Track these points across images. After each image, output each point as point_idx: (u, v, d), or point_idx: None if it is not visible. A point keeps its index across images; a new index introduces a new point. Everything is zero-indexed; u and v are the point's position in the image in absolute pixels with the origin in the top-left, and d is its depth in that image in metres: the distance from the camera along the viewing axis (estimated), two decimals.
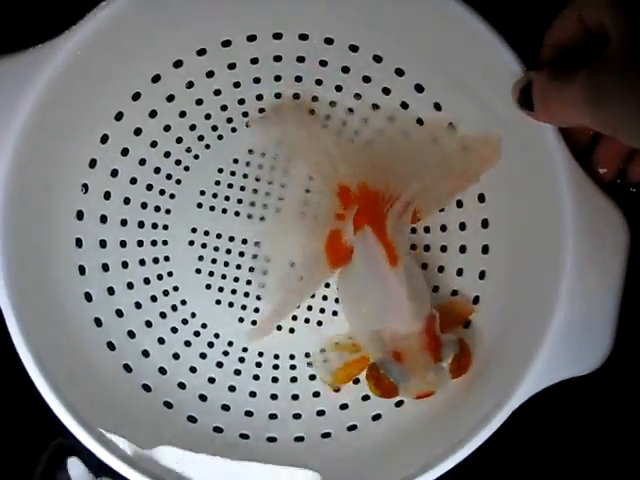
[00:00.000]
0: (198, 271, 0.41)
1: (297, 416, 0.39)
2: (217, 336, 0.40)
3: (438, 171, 0.38)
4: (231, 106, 0.41)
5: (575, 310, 0.33)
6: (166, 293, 0.40)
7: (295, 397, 0.40)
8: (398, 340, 0.35)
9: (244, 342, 0.40)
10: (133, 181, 0.40)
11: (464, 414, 0.35)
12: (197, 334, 0.40)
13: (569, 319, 0.33)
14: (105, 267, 0.39)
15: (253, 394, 0.40)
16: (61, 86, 0.35)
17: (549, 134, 0.34)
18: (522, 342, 0.35)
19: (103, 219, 0.39)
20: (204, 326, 0.40)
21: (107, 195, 0.40)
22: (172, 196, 0.41)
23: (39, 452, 0.40)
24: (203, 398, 0.39)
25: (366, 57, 0.40)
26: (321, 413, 0.39)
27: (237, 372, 0.40)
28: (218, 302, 0.40)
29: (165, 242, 0.41)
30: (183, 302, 0.40)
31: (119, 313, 0.39)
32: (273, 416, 0.39)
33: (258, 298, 0.41)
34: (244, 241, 0.41)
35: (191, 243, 0.41)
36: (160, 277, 0.40)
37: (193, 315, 0.40)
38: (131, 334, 0.39)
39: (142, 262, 0.40)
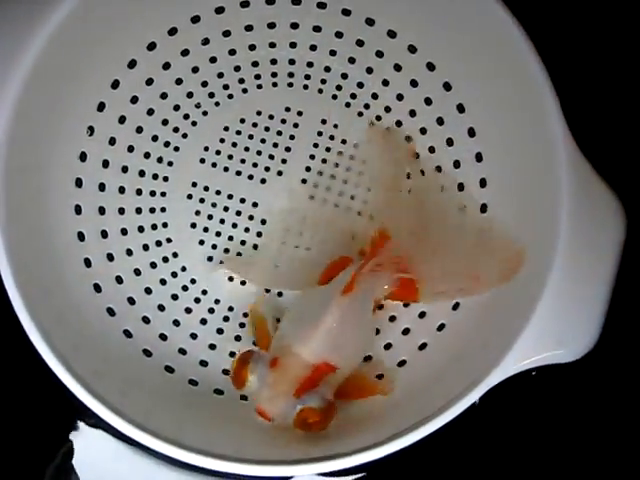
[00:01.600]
0: (193, 225, 0.40)
1: None
2: (217, 302, 0.40)
3: (461, 262, 0.37)
4: (244, 67, 0.41)
5: (563, 294, 0.33)
6: (159, 244, 0.40)
7: None
8: (288, 353, 0.34)
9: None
10: (139, 130, 0.40)
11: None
12: (197, 300, 0.40)
13: (556, 303, 0.33)
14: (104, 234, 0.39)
15: None
16: (72, 28, 0.35)
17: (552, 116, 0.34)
18: (507, 319, 0.34)
19: (105, 164, 0.39)
20: (204, 292, 0.40)
21: (112, 141, 0.40)
22: (176, 149, 0.41)
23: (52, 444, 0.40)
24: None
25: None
26: None
27: (237, 338, 0.40)
28: (210, 259, 0.40)
29: (163, 194, 0.41)
30: (174, 254, 0.40)
31: (119, 280, 0.39)
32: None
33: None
34: (242, 200, 0.41)
35: (189, 197, 0.41)
36: (155, 227, 0.40)
37: (183, 269, 0.40)
38: (131, 300, 0.39)
39: (138, 210, 0.40)
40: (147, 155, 0.40)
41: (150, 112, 0.40)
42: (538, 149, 0.35)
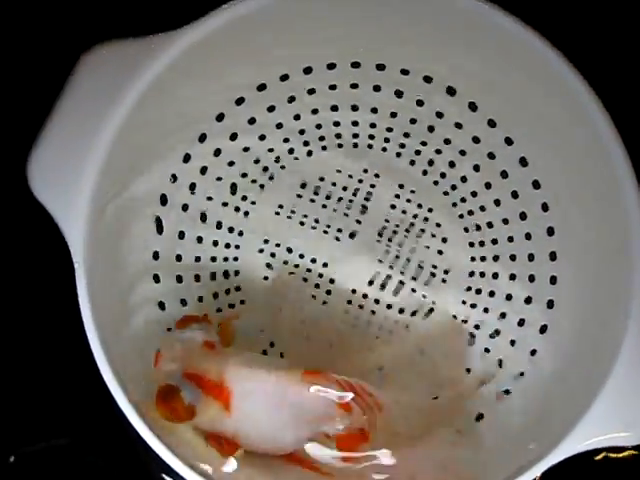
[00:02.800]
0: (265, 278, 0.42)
1: None
2: None
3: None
4: (325, 125, 0.42)
5: (631, 375, 0.32)
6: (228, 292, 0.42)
7: None
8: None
9: None
10: (219, 179, 0.42)
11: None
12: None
13: (624, 383, 0.32)
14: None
15: None
16: (168, 79, 0.35)
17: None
18: (574, 397, 0.34)
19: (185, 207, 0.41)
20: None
21: (192, 186, 0.41)
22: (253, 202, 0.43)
23: None
24: None
25: None
26: None
27: None
28: None
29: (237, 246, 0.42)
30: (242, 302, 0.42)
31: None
32: None
33: None
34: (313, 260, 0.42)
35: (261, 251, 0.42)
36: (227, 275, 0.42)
37: None
38: None
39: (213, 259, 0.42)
40: (225, 204, 0.42)
41: (231, 164, 0.42)
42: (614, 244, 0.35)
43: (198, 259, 0.41)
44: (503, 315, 0.41)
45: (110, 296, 0.35)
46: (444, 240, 0.42)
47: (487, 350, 0.40)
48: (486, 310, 0.41)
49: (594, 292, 0.36)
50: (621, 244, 0.34)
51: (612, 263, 0.35)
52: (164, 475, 0.38)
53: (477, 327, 0.41)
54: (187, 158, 0.40)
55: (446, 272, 0.42)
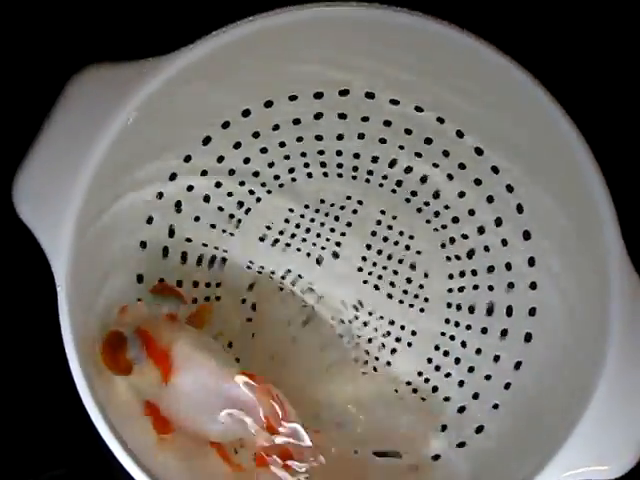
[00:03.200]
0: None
1: None
2: None
3: None
4: (310, 153, 0.43)
5: (610, 410, 0.33)
6: None
7: None
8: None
9: None
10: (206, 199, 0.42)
11: None
12: None
13: (602, 418, 0.33)
14: None
15: None
16: (158, 103, 0.36)
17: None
18: (550, 431, 0.34)
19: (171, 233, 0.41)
20: None
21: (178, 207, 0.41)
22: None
23: None
24: None
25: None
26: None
27: None
28: None
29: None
30: None
31: None
32: None
33: None
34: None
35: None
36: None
37: None
38: None
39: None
40: (213, 226, 0.42)
41: (218, 185, 0.42)
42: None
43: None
44: (479, 351, 0.41)
45: (92, 318, 0.35)
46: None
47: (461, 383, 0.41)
48: (464, 344, 0.41)
49: (572, 323, 0.36)
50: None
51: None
52: None
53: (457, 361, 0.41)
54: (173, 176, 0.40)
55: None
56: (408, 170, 0.43)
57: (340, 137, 0.42)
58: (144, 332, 0.35)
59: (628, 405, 0.33)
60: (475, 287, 0.42)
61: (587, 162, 0.34)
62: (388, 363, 0.42)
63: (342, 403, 0.41)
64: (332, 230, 0.43)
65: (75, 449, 0.41)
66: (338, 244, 0.43)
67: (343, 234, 0.43)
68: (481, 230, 0.42)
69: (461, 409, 0.40)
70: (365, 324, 0.42)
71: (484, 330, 0.41)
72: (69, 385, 0.32)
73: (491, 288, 0.41)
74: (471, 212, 0.42)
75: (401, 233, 0.43)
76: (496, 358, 0.40)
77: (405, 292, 0.43)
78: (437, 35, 0.35)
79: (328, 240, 0.43)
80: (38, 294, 0.38)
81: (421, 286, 0.43)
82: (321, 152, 0.43)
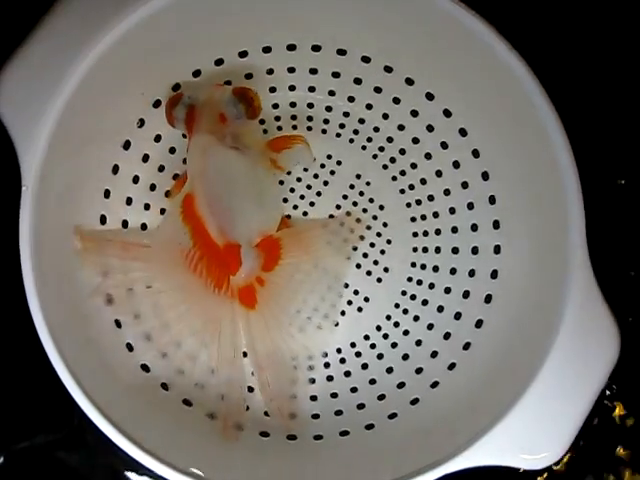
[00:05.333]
0: None
1: (316, 416, 0.40)
2: None
3: None
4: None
5: (543, 404, 0.34)
6: None
7: (313, 398, 0.41)
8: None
9: None
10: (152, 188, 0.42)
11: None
12: None
13: (534, 411, 0.34)
14: None
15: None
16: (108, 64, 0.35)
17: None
18: (481, 415, 0.35)
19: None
20: None
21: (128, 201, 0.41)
22: None
23: None
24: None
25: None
26: (339, 413, 0.41)
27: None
28: None
29: None
30: None
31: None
32: (315, 416, 0.40)
33: None
34: None
35: None
36: None
37: None
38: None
39: None
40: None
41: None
42: (555, 265, 0.35)
43: None
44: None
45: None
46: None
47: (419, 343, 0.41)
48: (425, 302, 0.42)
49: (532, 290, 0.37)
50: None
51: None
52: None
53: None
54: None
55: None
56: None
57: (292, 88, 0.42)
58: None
59: (563, 401, 0.34)
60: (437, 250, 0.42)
61: (553, 127, 0.35)
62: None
63: None
64: (309, 187, 0.43)
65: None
66: (312, 204, 0.43)
67: (319, 193, 0.43)
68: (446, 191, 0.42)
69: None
70: None
71: (447, 290, 0.42)
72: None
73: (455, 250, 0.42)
74: (438, 173, 0.42)
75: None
76: (457, 315, 0.41)
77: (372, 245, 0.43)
78: None
79: (303, 198, 0.43)
80: None
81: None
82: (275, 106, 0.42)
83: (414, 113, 0.42)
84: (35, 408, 0.41)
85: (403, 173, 0.43)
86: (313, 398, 0.41)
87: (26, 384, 0.40)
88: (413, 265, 0.42)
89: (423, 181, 0.42)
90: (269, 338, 0.39)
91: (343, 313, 0.42)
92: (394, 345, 0.42)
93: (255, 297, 0.38)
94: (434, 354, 0.41)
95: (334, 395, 0.41)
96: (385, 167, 0.43)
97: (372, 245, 0.43)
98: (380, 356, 0.42)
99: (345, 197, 0.43)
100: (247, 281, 0.38)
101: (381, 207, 0.43)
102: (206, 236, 0.37)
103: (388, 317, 0.42)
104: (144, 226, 0.41)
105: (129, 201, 0.41)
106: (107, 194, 0.40)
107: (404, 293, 0.42)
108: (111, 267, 0.38)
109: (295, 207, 0.43)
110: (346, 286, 0.42)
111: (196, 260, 0.37)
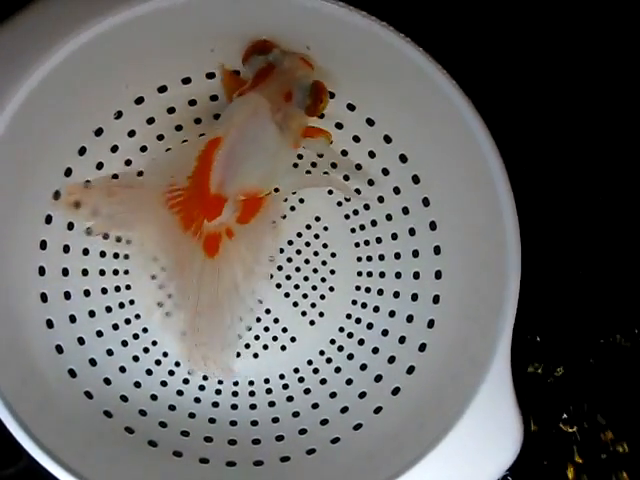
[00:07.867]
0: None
1: (280, 438, 0.41)
2: (177, 364, 0.42)
3: None
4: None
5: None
6: (128, 321, 0.42)
7: (275, 420, 0.42)
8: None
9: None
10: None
11: None
12: (158, 362, 0.42)
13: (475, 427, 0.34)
14: (67, 295, 0.41)
15: (212, 421, 0.41)
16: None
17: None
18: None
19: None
20: (165, 355, 0.42)
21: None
22: None
23: None
24: (163, 425, 0.41)
25: None
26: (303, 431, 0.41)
27: (197, 400, 0.42)
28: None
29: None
30: (137, 316, 0.42)
31: (80, 341, 0.41)
32: (256, 441, 0.41)
33: None
34: None
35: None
36: (122, 305, 0.42)
37: (154, 343, 0.42)
38: (92, 362, 0.41)
39: (104, 290, 0.42)
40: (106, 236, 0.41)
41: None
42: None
43: None
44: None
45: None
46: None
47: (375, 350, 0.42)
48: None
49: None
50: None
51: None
52: None
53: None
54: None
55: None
56: None
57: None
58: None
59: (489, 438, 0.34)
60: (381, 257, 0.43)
61: (493, 159, 0.35)
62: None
63: None
64: None
65: None
66: None
67: None
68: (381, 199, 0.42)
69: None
70: None
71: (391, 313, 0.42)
72: None
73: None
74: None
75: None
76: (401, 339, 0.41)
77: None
78: None
79: None
80: None
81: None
82: None
83: (356, 139, 0.41)
84: None
85: (347, 199, 0.43)
86: (254, 423, 0.41)
87: None
88: (357, 288, 0.43)
89: (367, 207, 0.43)
90: (216, 290, 0.40)
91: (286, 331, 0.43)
92: (337, 370, 0.42)
93: (218, 247, 0.39)
94: (378, 378, 0.41)
95: (275, 420, 0.42)
96: (330, 192, 0.43)
97: (315, 271, 0.43)
98: (323, 381, 0.42)
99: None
100: (218, 229, 0.39)
101: (325, 228, 0.43)
102: (204, 179, 0.38)
103: (332, 341, 0.43)
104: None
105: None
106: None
107: (349, 316, 0.43)
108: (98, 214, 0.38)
109: None
110: None
111: (179, 199, 0.38)
